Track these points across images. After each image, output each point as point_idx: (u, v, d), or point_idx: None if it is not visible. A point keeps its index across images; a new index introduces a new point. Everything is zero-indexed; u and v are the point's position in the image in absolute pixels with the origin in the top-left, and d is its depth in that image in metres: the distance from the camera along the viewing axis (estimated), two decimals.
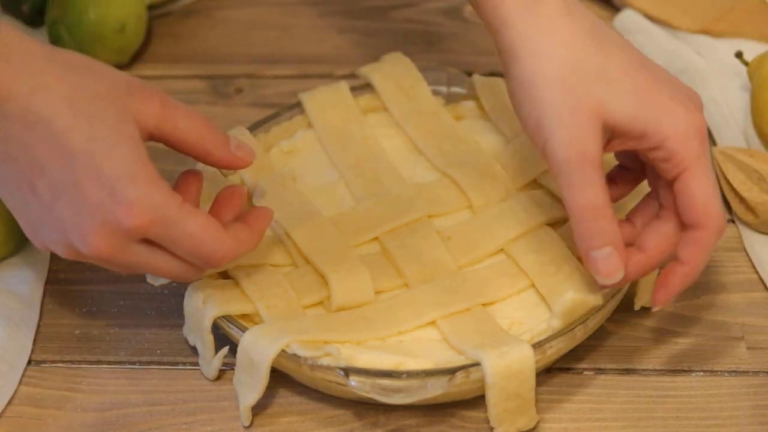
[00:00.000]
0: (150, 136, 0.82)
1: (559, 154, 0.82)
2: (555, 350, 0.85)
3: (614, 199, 0.87)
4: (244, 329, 0.85)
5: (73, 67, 0.81)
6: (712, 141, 1.06)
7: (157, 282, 0.89)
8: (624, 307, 0.91)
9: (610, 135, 0.84)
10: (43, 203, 0.79)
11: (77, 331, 0.94)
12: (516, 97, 0.86)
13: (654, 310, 0.86)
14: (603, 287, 0.85)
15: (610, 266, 0.83)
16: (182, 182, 0.87)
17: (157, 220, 0.79)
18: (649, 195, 0.89)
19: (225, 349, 0.88)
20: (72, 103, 0.78)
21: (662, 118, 0.83)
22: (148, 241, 0.80)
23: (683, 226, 0.85)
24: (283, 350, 0.84)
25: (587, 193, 0.82)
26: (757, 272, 0.96)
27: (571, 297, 0.85)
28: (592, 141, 0.82)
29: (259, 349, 0.84)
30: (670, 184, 0.85)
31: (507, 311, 0.89)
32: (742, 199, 0.98)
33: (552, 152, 0.83)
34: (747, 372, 0.90)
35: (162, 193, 0.79)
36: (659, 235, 0.85)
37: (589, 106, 0.82)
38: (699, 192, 0.83)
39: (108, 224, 0.78)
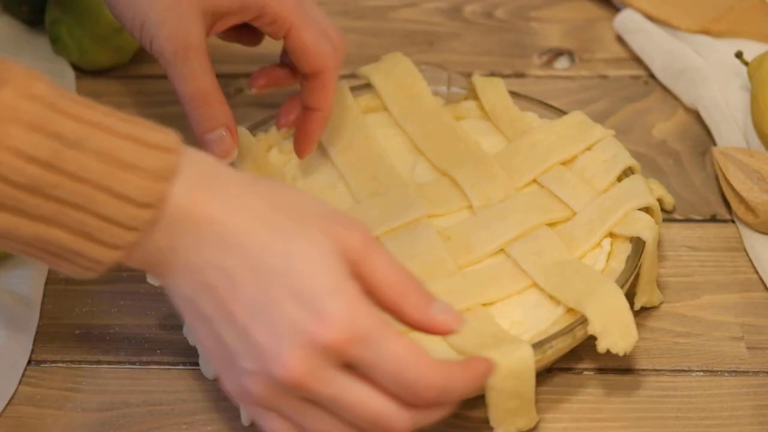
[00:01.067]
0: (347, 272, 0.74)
1: (166, 49, 0.88)
2: (555, 350, 0.85)
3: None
4: None
5: (276, 188, 0.76)
6: (712, 141, 1.06)
7: (158, 282, 0.88)
8: None
9: (214, 18, 0.90)
10: (238, 328, 0.73)
11: (77, 331, 0.94)
12: (117, 9, 0.90)
13: (301, 158, 0.95)
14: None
15: (225, 146, 0.90)
16: None
17: (359, 338, 0.71)
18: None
19: None
20: (269, 220, 0.73)
21: None
22: (347, 371, 0.73)
23: (304, 76, 0.93)
24: None
25: (197, 81, 0.89)
26: (757, 272, 0.96)
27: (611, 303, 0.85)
28: (193, 30, 0.88)
29: None
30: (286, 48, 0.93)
31: (507, 311, 0.89)
32: (742, 199, 0.98)
33: (159, 49, 0.88)
34: (747, 372, 0.90)
35: (365, 309, 0.72)
36: (320, 91, 0.94)
37: None
38: (309, 40, 0.91)
39: (306, 343, 0.71)
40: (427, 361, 0.73)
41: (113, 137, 0.72)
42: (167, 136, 0.74)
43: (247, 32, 0.98)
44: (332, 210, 0.75)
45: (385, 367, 0.72)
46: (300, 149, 0.96)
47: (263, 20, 0.91)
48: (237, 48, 1.19)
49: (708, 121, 1.07)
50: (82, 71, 1.14)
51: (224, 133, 0.90)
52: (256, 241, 0.73)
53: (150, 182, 0.72)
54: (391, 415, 0.73)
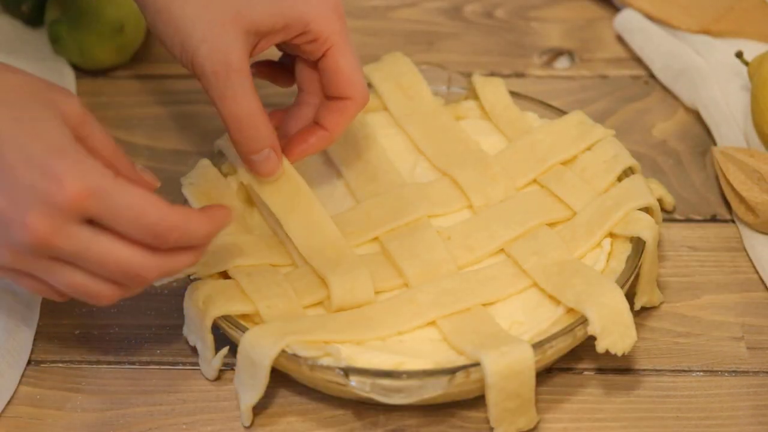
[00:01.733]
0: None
1: (206, 68, 0.86)
2: (555, 350, 0.85)
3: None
4: (244, 329, 0.85)
5: None
6: (712, 141, 1.06)
7: (158, 282, 0.88)
8: None
9: (257, 38, 0.88)
10: None
11: (77, 331, 0.94)
12: (158, 28, 0.88)
13: (291, 161, 0.92)
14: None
15: (270, 166, 0.90)
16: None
17: (94, 191, 0.75)
18: (300, 100, 0.94)
19: (225, 350, 0.88)
20: None
21: (299, 6, 0.88)
22: (91, 226, 0.77)
23: (329, 98, 0.91)
24: (283, 350, 0.84)
25: (239, 103, 0.87)
26: (757, 272, 0.96)
27: (610, 306, 0.85)
28: (235, 50, 0.86)
29: (260, 349, 0.84)
30: (316, 65, 0.91)
31: (507, 311, 0.89)
32: (742, 199, 0.98)
33: (200, 68, 0.87)
34: (747, 372, 0.90)
35: (94, 165, 0.76)
36: (300, 120, 0.93)
37: (227, 16, 0.86)
38: (345, 65, 0.89)
39: (44, 204, 0.75)
40: (165, 204, 0.78)
41: None
42: None
43: (281, 72, 0.96)
44: (46, 80, 0.79)
45: (124, 215, 0.76)
46: (290, 154, 0.92)
47: (304, 38, 0.89)
48: None
49: (708, 121, 1.07)
50: (82, 71, 1.14)
51: (269, 153, 0.90)
52: None
53: None
54: (138, 262, 0.78)
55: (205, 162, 0.97)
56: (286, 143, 0.92)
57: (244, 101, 0.87)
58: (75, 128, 0.78)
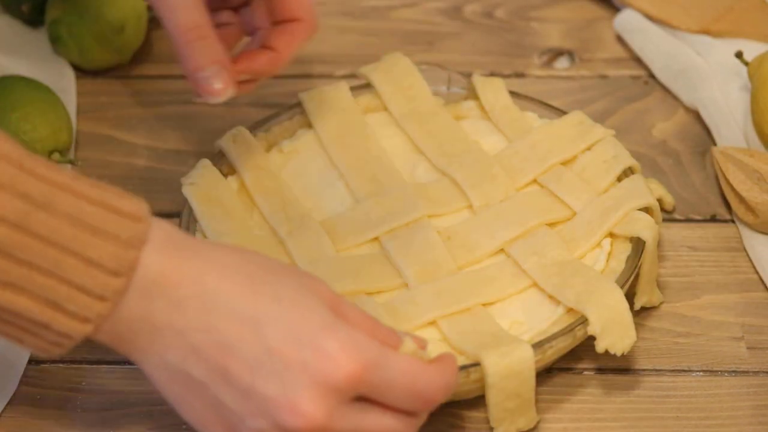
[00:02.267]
0: None
1: None
2: (555, 350, 0.85)
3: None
4: None
5: (244, 250, 0.75)
6: (712, 141, 1.06)
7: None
8: None
9: None
10: (241, 386, 0.70)
11: None
12: None
13: (221, 89, 0.86)
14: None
15: (221, 82, 0.85)
16: None
17: (369, 364, 0.71)
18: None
19: None
20: (249, 273, 0.72)
21: None
22: (360, 402, 0.73)
23: (280, 22, 0.88)
24: None
25: (188, 12, 0.84)
26: (757, 272, 0.96)
27: (610, 306, 0.85)
28: None
29: None
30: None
31: (507, 311, 0.89)
32: (742, 199, 0.98)
33: None
34: (747, 372, 0.90)
35: (364, 338, 0.71)
36: (288, 36, 0.89)
37: None
38: None
39: (319, 384, 0.70)
40: (427, 367, 0.74)
41: (83, 201, 0.69)
42: (137, 205, 0.71)
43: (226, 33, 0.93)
44: (295, 266, 0.78)
45: (399, 384, 0.72)
46: (235, 68, 0.87)
47: None
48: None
49: (708, 121, 1.07)
50: (82, 71, 1.14)
51: (218, 70, 0.85)
52: (240, 293, 0.71)
53: (120, 250, 0.69)
54: (402, 428, 0.74)
55: (206, 162, 0.97)
56: (234, 60, 0.88)
57: (192, 11, 0.84)
58: (332, 308, 0.73)
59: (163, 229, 0.72)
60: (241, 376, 0.70)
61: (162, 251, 0.71)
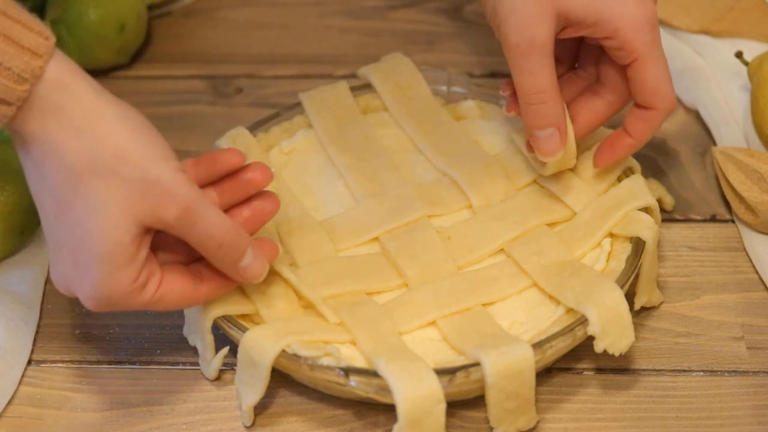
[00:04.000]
0: (160, 230, 0.82)
1: (511, 38, 0.88)
2: (555, 350, 0.85)
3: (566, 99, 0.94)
4: (244, 329, 0.85)
5: (103, 140, 0.80)
6: (712, 141, 1.06)
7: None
8: None
9: (564, 24, 0.89)
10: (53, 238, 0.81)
11: (77, 331, 0.94)
12: None
13: (597, 167, 0.94)
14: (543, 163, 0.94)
15: (552, 145, 0.91)
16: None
17: (112, 307, 0.81)
18: (574, 73, 0.96)
19: (225, 350, 0.88)
20: (79, 184, 0.79)
21: (614, 8, 0.88)
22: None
23: (636, 104, 0.92)
24: (283, 350, 0.84)
25: (535, 77, 0.89)
26: (757, 272, 0.96)
27: (609, 306, 0.85)
28: (541, 28, 0.87)
29: (260, 349, 0.84)
30: (623, 68, 0.91)
31: (507, 311, 0.89)
32: (742, 199, 0.98)
33: (504, 37, 0.88)
34: (747, 372, 0.90)
35: (125, 291, 0.80)
36: (590, 112, 0.94)
37: None
38: (650, 77, 0.90)
39: (67, 282, 0.81)
40: (188, 289, 0.83)
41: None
42: (46, 30, 0.78)
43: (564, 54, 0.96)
44: (157, 179, 0.79)
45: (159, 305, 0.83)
46: (599, 160, 0.94)
47: (610, 43, 0.90)
48: (237, 48, 1.19)
49: (708, 121, 1.07)
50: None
51: (553, 132, 0.90)
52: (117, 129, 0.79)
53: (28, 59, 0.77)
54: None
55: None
56: (596, 151, 0.95)
57: (538, 77, 0.89)
58: (166, 229, 0.80)
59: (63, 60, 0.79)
60: (55, 234, 0.80)
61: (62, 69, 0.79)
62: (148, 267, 0.81)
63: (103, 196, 0.78)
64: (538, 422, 0.86)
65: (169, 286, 0.82)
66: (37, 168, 0.80)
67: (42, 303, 0.95)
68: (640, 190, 0.93)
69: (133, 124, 0.80)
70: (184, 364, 0.91)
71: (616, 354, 0.85)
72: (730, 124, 1.05)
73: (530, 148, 0.93)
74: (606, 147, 0.94)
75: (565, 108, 0.91)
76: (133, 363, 0.92)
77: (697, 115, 1.09)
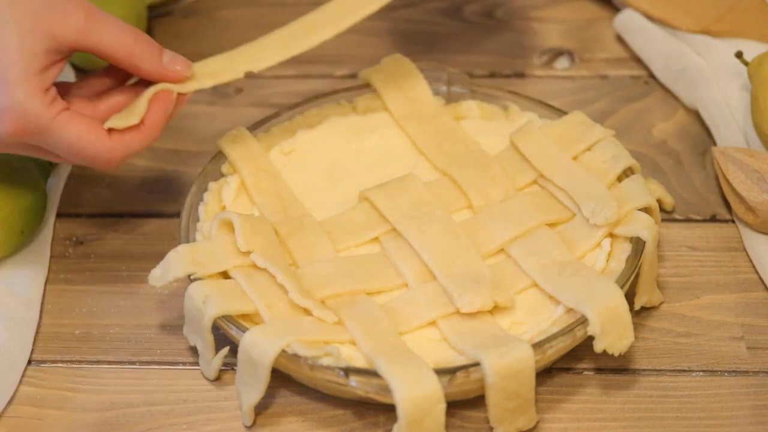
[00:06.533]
0: (72, 49, 0.85)
1: None
2: (555, 350, 0.85)
3: None
4: (244, 329, 0.85)
5: None
6: (712, 141, 1.06)
7: (158, 282, 0.89)
8: None
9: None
10: None
11: (77, 331, 0.94)
12: None
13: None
14: None
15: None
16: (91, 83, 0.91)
17: (30, 130, 0.84)
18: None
19: (225, 350, 0.88)
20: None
21: None
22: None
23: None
24: (283, 350, 0.84)
25: None
26: (757, 272, 0.96)
27: (608, 306, 0.85)
28: None
29: (260, 349, 0.84)
30: None
31: (507, 311, 0.89)
32: (742, 199, 0.98)
33: None
34: (747, 372, 0.90)
35: (37, 103, 0.83)
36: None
37: None
38: None
39: None
40: (102, 139, 0.85)
41: None
42: None
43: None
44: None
45: (62, 150, 0.85)
46: None
47: None
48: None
49: (708, 121, 1.07)
50: (82, 71, 1.14)
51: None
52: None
53: None
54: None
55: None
56: None
57: None
58: (75, 44, 0.84)
59: None
60: None
61: None
62: (56, 90, 0.85)
63: (14, 9, 0.82)
64: (538, 422, 0.86)
65: (77, 115, 0.85)
66: None
67: (42, 303, 0.95)
68: (639, 190, 0.93)
69: None
70: (184, 364, 0.91)
71: (616, 354, 0.85)
72: (730, 124, 1.05)
73: None
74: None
75: None
76: (133, 363, 0.92)
77: (697, 115, 1.09)
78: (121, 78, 0.91)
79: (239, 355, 0.85)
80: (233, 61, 0.95)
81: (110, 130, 0.87)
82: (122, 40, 0.86)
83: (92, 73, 0.92)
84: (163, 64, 0.89)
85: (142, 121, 0.88)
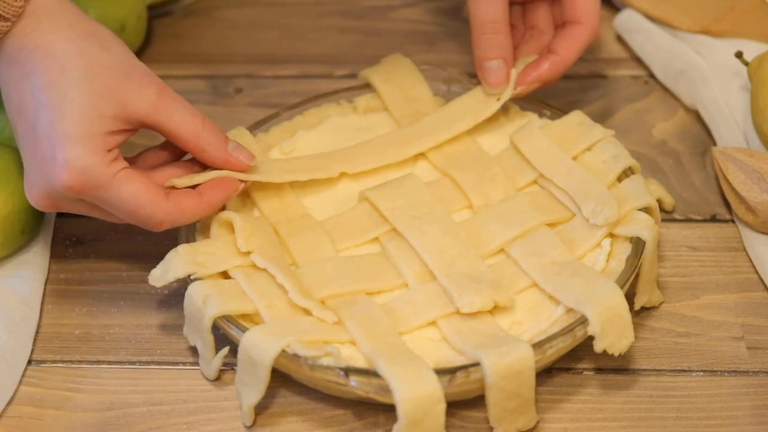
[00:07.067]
0: (142, 124, 0.86)
1: None
2: (555, 350, 0.85)
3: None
4: (244, 329, 0.85)
5: (91, 35, 0.86)
6: (712, 141, 1.06)
7: (158, 282, 0.89)
8: None
9: None
10: (20, 143, 0.86)
11: (77, 331, 0.94)
12: None
13: (516, 91, 0.98)
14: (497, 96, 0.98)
15: (499, 77, 0.97)
16: (150, 155, 0.92)
17: (88, 184, 0.84)
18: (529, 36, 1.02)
19: (225, 350, 0.88)
20: (66, 63, 0.83)
21: None
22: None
23: (563, 25, 0.98)
24: (283, 350, 0.84)
25: (490, 7, 0.96)
26: (757, 272, 0.96)
27: (608, 306, 0.85)
28: None
29: (260, 349, 0.84)
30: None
31: (507, 311, 0.89)
32: (742, 199, 0.98)
33: None
34: (747, 372, 0.90)
35: (98, 159, 0.83)
36: (569, 40, 0.98)
37: None
38: None
39: (46, 181, 0.84)
40: (158, 200, 0.86)
41: None
42: None
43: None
44: (133, 63, 0.86)
45: (117, 209, 0.86)
46: (523, 78, 0.98)
47: None
48: (237, 48, 1.19)
49: (708, 121, 1.07)
50: None
51: (501, 64, 0.97)
52: (45, 79, 0.83)
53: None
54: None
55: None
56: (520, 73, 0.98)
57: (492, 7, 0.96)
58: (146, 118, 0.85)
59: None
60: (21, 136, 0.86)
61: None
62: (119, 152, 0.85)
63: (91, 72, 0.84)
64: (538, 422, 0.86)
65: (137, 174, 0.85)
66: (24, 78, 0.84)
67: (42, 303, 0.95)
68: (639, 190, 0.93)
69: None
70: (184, 364, 0.91)
71: (616, 354, 0.85)
72: (730, 124, 1.05)
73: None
74: (532, 68, 0.98)
75: (512, 45, 0.97)
76: (133, 363, 0.92)
77: (697, 115, 1.09)
78: (177, 155, 0.92)
79: (239, 355, 0.85)
80: (329, 161, 0.97)
81: (168, 194, 0.87)
82: (191, 121, 0.87)
83: (148, 148, 0.92)
84: (228, 151, 0.89)
85: (200, 194, 0.88)
